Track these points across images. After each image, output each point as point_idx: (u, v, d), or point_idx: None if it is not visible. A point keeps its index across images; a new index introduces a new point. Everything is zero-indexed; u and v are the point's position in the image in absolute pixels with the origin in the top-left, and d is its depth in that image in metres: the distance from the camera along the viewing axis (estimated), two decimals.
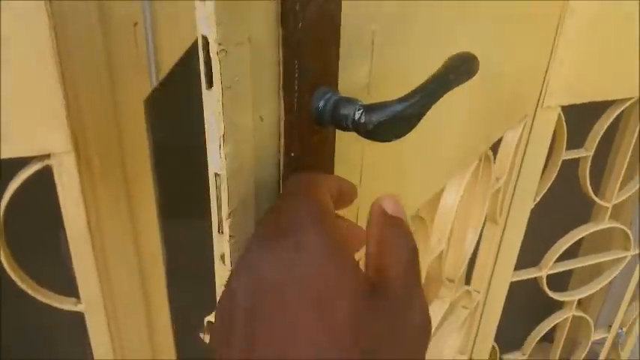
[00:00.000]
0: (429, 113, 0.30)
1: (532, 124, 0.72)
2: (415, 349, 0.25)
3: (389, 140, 0.28)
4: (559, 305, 0.95)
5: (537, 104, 0.70)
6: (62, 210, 0.53)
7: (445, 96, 0.30)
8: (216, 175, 0.27)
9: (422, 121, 0.36)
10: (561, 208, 0.90)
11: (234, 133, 0.26)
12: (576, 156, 0.77)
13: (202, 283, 0.42)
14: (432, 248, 0.60)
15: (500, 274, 0.83)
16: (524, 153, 0.73)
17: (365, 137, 0.28)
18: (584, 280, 0.97)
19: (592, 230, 0.84)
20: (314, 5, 0.27)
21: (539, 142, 0.74)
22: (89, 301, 0.59)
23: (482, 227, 0.76)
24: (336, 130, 0.31)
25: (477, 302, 0.82)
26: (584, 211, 0.90)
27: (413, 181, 0.48)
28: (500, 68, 0.58)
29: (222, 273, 0.29)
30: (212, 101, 0.25)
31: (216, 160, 0.27)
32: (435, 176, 0.52)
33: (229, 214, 0.28)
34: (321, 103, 0.29)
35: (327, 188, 0.28)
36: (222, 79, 0.25)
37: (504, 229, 0.78)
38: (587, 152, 0.76)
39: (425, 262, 0.62)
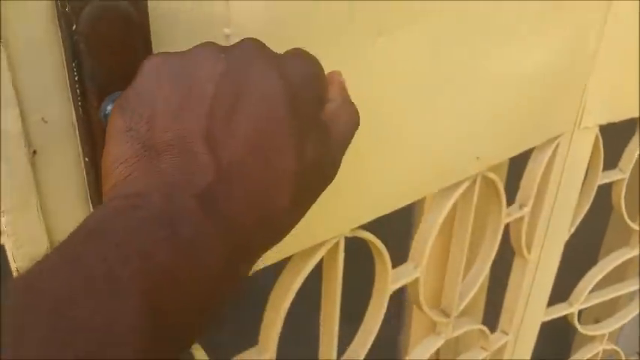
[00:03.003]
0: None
1: (569, 146, 0.62)
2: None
3: None
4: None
5: (575, 124, 0.61)
6: None
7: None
8: None
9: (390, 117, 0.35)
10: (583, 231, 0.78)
11: None
12: (612, 179, 0.66)
13: None
14: (404, 274, 0.55)
15: (530, 313, 0.74)
16: (560, 178, 0.64)
17: None
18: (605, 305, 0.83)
19: (627, 257, 0.72)
20: (93, 7, 0.26)
21: (575, 166, 0.64)
22: None
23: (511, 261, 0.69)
24: None
25: (502, 344, 0.74)
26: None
27: (368, 189, 0.45)
28: (527, 78, 0.51)
29: None
30: None
31: None
32: (398, 188, 0.47)
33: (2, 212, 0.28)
34: (109, 108, 0.28)
35: None
36: None
37: (535, 264, 0.69)
38: (622, 174, 0.65)
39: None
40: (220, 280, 0.22)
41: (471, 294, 0.64)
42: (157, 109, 0.24)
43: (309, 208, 0.29)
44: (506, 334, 0.75)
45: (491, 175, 0.57)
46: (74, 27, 0.26)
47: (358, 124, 0.31)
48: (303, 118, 0.26)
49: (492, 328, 0.76)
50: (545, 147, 0.61)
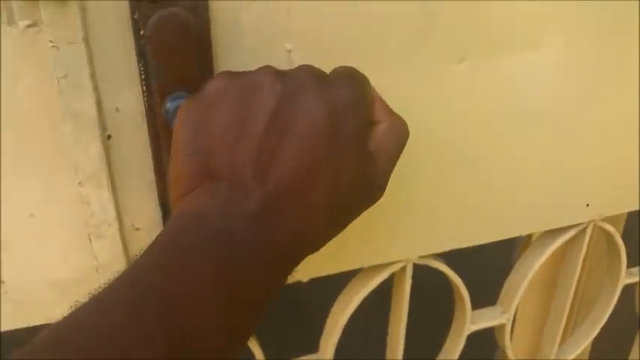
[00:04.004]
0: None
1: None
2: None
3: None
4: None
5: None
6: None
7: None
8: None
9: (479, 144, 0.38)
10: None
11: (73, 116, 0.31)
12: None
13: None
14: (489, 316, 0.52)
15: None
16: None
17: None
18: None
19: None
20: (158, 16, 0.30)
21: None
22: None
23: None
24: None
25: None
26: None
27: (443, 220, 0.44)
28: None
29: None
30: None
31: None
32: (483, 222, 0.45)
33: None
34: (168, 105, 0.31)
35: None
36: (55, 69, 0.30)
37: None
38: None
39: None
40: (261, 285, 0.27)
41: (575, 353, 0.58)
42: (215, 141, 0.28)
43: (347, 225, 0.31)
44: None
45: (608, 227, 0.51)
46: (142, 32, 0.30)
47: (407, 138, 0.32)
48: (342, 151, 0.28)
49: None
50: None
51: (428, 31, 0.37)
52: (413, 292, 0.47)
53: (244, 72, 0.29)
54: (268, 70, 0.29)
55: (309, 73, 0.29)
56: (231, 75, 0.29)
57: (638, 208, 0.50)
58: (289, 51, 0.34)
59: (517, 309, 0.69)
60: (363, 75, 0.31)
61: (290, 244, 0.28)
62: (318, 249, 0.30)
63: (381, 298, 0.48)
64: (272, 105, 0.27)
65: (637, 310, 0.60)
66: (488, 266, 0.54)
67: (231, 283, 0.25)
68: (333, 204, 0.28)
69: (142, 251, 0.26)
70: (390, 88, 0.37)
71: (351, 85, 0.29)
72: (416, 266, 0.45)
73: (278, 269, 0.28)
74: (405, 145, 0.32)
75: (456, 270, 0.49)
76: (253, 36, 0.33)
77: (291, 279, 0.42)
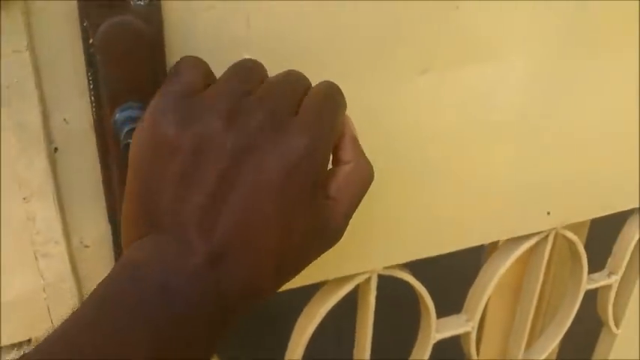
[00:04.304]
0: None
1: None
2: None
3: None
4: None
5: None
6: None
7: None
8: None
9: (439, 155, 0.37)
10: None
11: (18, 128, 0.30)
12: None
13: None
14: (455, 325, 0.52)
15: None
16: None
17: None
18: None
19: None
20: (108, 24, 0.28)
21: None
22: None
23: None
24: None
25: None
26: None
27: (408, 230, 0.43)
28: (618, 135, 0.47)
29: None
30: None
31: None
32: (445, 231, 0.45)
33: None
34: (118, 116, 0.30)
35: None
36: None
37: (623, 338, 0.62)
38: None
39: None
40: (203, 342, 0.26)
41: (541, 358, 0.59)
42: (163, 194, 0.27)
43: (303, 268, 0.30)
44: None
45: (569, 235, 0.51)
46: (91, 40, 0.28)
47: (371, 181, 0.31)
48: (294, 205, 0.27)
49: None
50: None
51: (390, 41, 0.36)
52: (382, 302, 0.46)
53: (193, 106, 0.27)
54: (221, 112, 0.27)
55: (267, 116, 0.27)
56: (182, 115, 0.27)
57: (599, 215, 0.50)
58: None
59: (486, 316, 0.69)
60: (335, 107, 0.30)
61: (238, 297, 0.27)
62: (272, 295, 0.29)
63: (353, 305, 0.48)
64: (221, 165, 0.26)
65: (600, 314, 0.61)
66: (459, 272, 0.53)
67: (170, 344, 0.24)
68: (285, 254, 0.27)
69: (79, 305, 0.25)
70: (353, 97, 0.36)
71: (313, 133, 0.27)
72: (382, 276, 0.45)
73: (224, 322, 0.27)
74: (368, 188, 0.31)
75: (426, 276, 0.48)
76: (210, 44, 0.31)
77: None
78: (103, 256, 0.35)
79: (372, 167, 0.31)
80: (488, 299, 0.72)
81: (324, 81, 0.30)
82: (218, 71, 0.32)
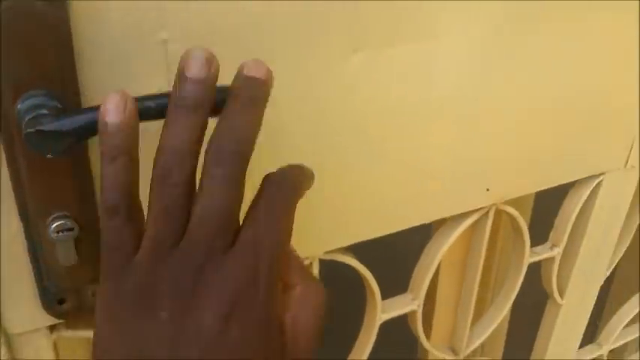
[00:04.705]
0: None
1: (612, 186, 0.56)
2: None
3: (43, 154, 0.26)
4: None
5: (621, 162, 0.55)
6: None
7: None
8: None
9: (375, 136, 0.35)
10: None
11: None
12: None
13: None
14: (401, 304, 0.52)
15: (560, 357, 0.68)
16: (600, 218, 0.58)
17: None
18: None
19: None
20: (7, 7, 0.26)
21: (616, 207, 0.58)
22: None
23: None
24: None
25: None
26: None
27: (348, 213, 0.42)
28: (559, 106, 0.47)
29: None
30: None
31: None
32: (385, 212, 0.44)
33: None
34: (20, 106, 0.28)
35: None
36: None
37: (568, 308, 0.63)
38: None
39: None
40: None
41: (487, 333, 0.59)
42: None
43: None
44: None
45: (510, 210, 0.52)
46: None
47: (324, 302, 0.29)
48: (242, 350, 0.26)
49: None
50: (583, 185, 0.55)
51: (318, 21, 0.35)
52: (334, 285, 0.45)
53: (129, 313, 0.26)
54: (156, 318, 0.26)
55: (196, 271, 0.26)
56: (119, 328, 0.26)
57: (538, 190, 0.51)
58: (165, 41, 0.31)
59: (437, 294, 0.70)
60: (280, 226, 0.28)
61: None
62: None
63: None
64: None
65: (544, 286, 0.62)
66: (413, 251, 0.53)
67: None
68: None
69: None
70: (283, 77, 0.35)
71: (251, 272, 0.26)
72: (328, 260, 0.44)
73: None
74: (323, 311, 0.29)
75: (379, 257, 0.48)
76: (122, 26, 0.30)
77: None
78: (15, 254, 0.33)
79: (322, 289, 0.30)
80: (439, 277, 0.73)
81: (271, 184, 0.28)
82: (135, 55, 0.30)
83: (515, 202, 0.52)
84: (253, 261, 0.26)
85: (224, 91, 0.27)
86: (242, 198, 0.27)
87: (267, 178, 0.29)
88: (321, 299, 0.29)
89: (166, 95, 0.27)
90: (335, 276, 0.52)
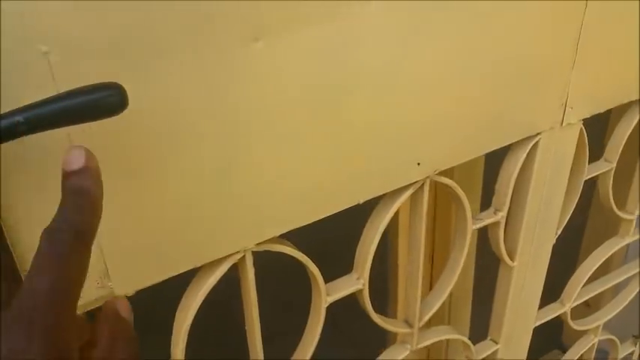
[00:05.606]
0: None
1: (551, 145, 0.56)
2: None
3: None
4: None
5: (556, 121, 0.55)
6: None
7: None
8: None
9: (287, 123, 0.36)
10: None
11: None
12: (598, 172, 0.59)
13: None
14: (346, 284, 0.52)
15: (521, 319, 0.69)
16: (543, 178, 0.58)
17: None
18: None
19: (619, 246, 0.65)
20: None
21: (559, 165, 0.58)
22: None
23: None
24: None
25: (492, 352, 0.70)
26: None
27: (276, 202, 0.42)
28: (486, 71, 0.47)
29: None
30: None
31: None
32: (312, 198, 0.44)
33: None
34: None
35: None
36: None
37: (521, 270, 0.64)
38: (609, 165, 0.59)
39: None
40: None
41: (439, 303, 0.60)
42: None
43: None
44: (496, 342, 0.70)
45: (445, 180, 0.52)
46: None
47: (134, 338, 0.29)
48: None
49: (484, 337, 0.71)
50: (519, 148, 0.56)
51: (210, 12, 0.34)
52: (278, 273, 0.45)
53: None
54: None
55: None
56: None
57: (469, 159, 0.51)
58: (46, 53, 0.30)
59: (398, 273, 0.70)
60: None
61: None
62: None
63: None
64: None
65: (494, 250, 0.63)
66: None
67: None
68: None
69: None
70: (180, 76, 0.34)
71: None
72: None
73: None
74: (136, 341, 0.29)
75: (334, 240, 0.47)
76: (4, 39, 0.29)
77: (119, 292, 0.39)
78: None
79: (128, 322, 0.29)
80: (398, 254, 0.73)
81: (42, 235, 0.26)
82: (17, 69, 0.29)
83: (465, 169, 0.52)
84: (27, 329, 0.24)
85: None
86: None
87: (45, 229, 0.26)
88: (129, 334, 0.29)
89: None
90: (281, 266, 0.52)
